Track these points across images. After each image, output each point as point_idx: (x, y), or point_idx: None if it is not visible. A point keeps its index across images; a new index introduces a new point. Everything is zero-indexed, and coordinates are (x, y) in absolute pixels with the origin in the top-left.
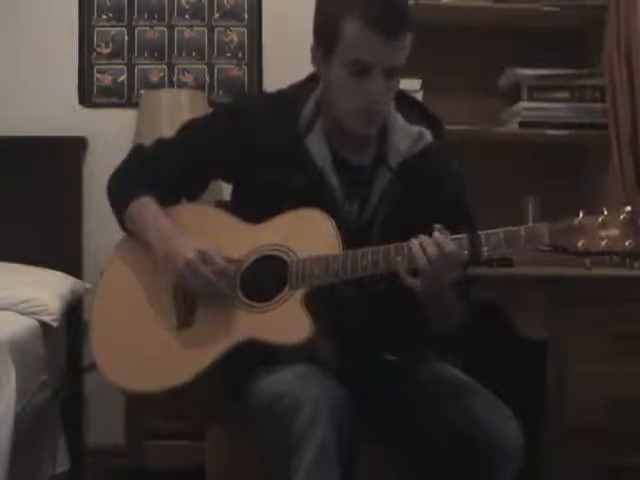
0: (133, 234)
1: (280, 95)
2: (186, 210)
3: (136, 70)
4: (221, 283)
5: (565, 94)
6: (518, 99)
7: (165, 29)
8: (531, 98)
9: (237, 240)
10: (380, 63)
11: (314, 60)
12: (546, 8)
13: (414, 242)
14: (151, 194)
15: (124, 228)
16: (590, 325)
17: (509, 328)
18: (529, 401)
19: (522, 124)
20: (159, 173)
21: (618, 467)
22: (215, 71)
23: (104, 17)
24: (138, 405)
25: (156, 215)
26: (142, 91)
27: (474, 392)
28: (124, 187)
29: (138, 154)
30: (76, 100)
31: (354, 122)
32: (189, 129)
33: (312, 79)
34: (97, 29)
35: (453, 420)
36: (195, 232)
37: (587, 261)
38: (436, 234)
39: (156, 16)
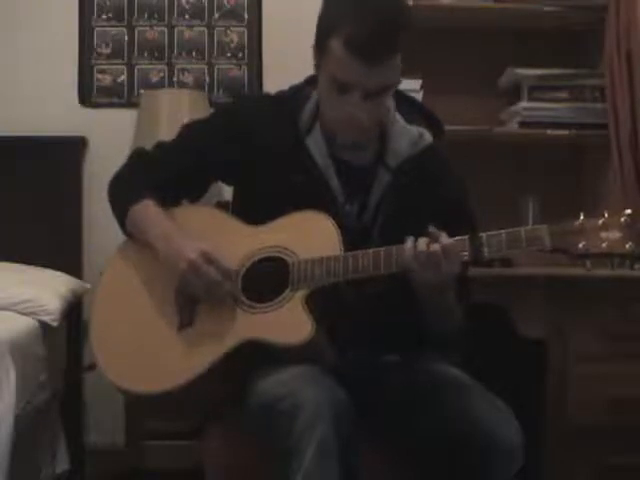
0: (135, 238)
1: (280, 96)
2: (187, 212)
3: (136, 70)
4: (224, 284)
5: (565, 94)
6: (518, 99)
7: (165, 29)
8: (531, 98)
9: (238, 241)
10: (359, 86)
11: (314, 61)
12: (546, 8)
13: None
14: (152, 197)
15: (126, 232)
16: (590, 325)
17: (509, 328)
18: (529, 401)
19: (522, 124)
20: (160, 176)
21: (618, 467)
22: (215, 71)
23: (104, 17)
24: (138, 405)
25: (158, 217)
26: (142, 91)
27: (474, 392)
28: (125, 191)
29: (138, 157)
30: (76, 100)
31: (337, 129)
32: (189, 131)
33: (312, 81)
34: (97, 29)
35: (453, 420)
36: (196, 234)
37: (588, 263)
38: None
39: (156, 16)
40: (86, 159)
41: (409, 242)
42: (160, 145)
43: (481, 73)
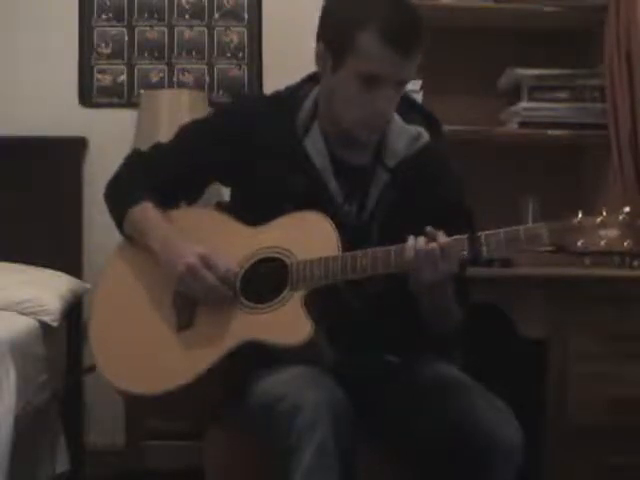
0: (134, 240)
1: (277, 97)
2: (185, 214)
3: (136, 70)
4: (222, 288)
5: (565, 94)
6: (518, 99)
7: (165, 29)
8: (531, 98)
9: (237, 242)
10: (393, 78)
11: (319, 62)
12: (546, 8)
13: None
14: (150, 199)
15: (124, 234)
16: (590, 325)
17: (509, 328)
18: (529, 401)
19: (522, 124)
20: (157, 178)
21: (618, 467)
22: (215, 71)
23: (104, 17)
24: (138, 405)
25: (156, 220)
26: (142, 91)
27: (474, 392)
28: (123, 193)
29: (136, 159)
30: (76, 100)
31: (358, 130)
32: (187, 132)
33: (309, 80)
34: (97, 29)
35: (453, 420)
36: (195, 235)
37: (587, 260)
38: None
39: (156, 16)
40: (86, 159)
41: (411, 240)
42: (158, 146)
43: (481, 73)
